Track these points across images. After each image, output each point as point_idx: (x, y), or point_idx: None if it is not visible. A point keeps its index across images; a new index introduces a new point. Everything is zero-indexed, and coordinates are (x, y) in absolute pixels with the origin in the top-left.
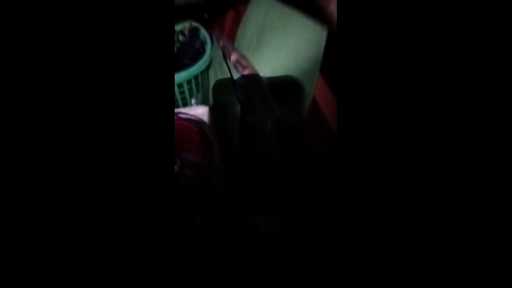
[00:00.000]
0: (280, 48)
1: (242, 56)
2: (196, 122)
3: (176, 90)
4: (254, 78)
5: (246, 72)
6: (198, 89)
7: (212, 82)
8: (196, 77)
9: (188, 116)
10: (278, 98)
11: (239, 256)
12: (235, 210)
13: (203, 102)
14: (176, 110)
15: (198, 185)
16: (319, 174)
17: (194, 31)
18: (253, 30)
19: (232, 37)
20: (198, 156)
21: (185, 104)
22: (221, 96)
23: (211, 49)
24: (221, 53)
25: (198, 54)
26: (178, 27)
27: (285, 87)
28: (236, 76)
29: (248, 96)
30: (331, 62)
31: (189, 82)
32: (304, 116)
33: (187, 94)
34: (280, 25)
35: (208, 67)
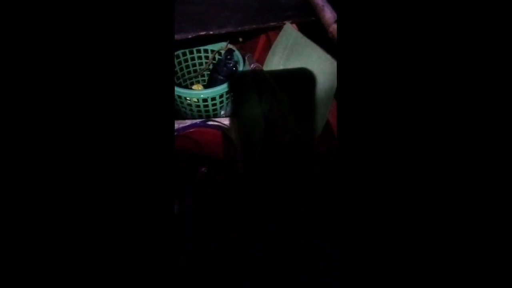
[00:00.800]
0: (303, 74)
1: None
2: (223, 129)
3: (210, 102)
4: (277, 98)
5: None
6: (228, 102)
7: (241, 98)
8: (227, 92)
9: (217, 124)
10: (297, 117)
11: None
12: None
13: (232, 114)
14: (207, 120)
15: (224, 187)
16: (321, 176)
17: (230, 52)
18: (281, 56)
19: (262, 59)
20: (224, 159)
21: (215, 114)
22: (248, 110)
23: (243, 69)
24: (251, 73)
25: (231, 73)
26: (216, 47)
27: (304, 108)
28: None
29: (271, 113)
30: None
31: (221, 96)
32: (318, 134)
33: (218, 106)
34: (304, 56)
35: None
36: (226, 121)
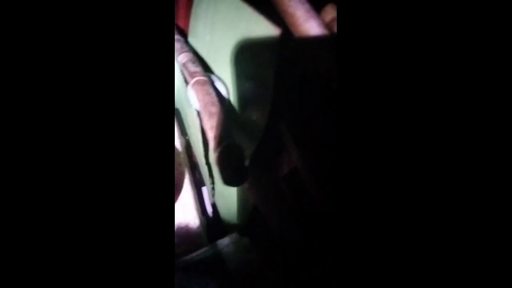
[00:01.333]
0: (234, 48)
1: (192, 59)
2: None
3: None
4: (202, 92)
5: (192, 81)
6: None
7: None
8: None
9: None
10: (236, 112)
11: None
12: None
13: None
14: None
15: None
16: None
17: None
18: (205, 23)
19: (185, 28)
20: None
21: None
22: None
23: None
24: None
25: None
26: None
27: (243, 97)
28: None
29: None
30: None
31: None
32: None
33: None
34: (231, 20)
35: None
36: None
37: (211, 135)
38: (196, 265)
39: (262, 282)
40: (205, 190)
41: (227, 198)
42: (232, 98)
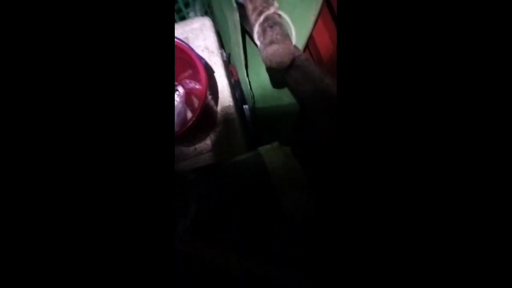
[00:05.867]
0: None
1: None
2: (195, 53)
3: None
4: None
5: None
6: None
7: None
8: None
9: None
10: None
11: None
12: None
13: (202, 13)
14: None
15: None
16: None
17: None
18: None
19: None
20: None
21: (182, 16)
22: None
23: None
24: None
25: None
26: None
27: None
28: None
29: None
30: None
31: None
32: None
33: (181, 2)
34: None
35: None
36: (195, 24)
37: (250, 8)
38: (235, 166)
39: (300, 191)
40: (246, 109)
41: (269, 108)
42: None
